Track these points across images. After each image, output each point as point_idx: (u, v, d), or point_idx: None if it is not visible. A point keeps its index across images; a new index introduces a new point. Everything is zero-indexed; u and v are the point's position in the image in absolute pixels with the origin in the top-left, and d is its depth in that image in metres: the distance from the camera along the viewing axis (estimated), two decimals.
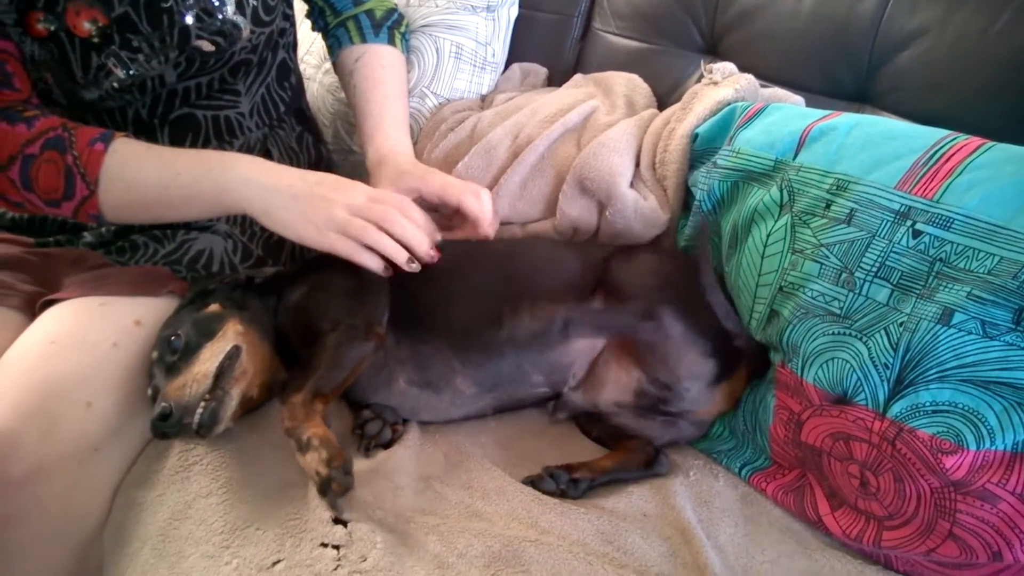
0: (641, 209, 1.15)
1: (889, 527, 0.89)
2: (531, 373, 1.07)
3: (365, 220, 1.00)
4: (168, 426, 0.90)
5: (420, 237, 1.03)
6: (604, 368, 1.07)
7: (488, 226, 1.14)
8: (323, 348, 0.98)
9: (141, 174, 1.03)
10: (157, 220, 1.13)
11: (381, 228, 1.01)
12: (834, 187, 0.95)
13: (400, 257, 1.02)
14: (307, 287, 1.08)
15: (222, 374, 0.95)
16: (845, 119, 1.00)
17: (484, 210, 1.13)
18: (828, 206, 0.94)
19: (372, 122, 1.27)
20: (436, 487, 0.98)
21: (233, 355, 0.98)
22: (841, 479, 0.93)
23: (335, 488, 0.86)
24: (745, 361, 1.06)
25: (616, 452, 1.04)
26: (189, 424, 0.91)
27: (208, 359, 0.96)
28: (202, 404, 0.92)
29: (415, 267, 1.03)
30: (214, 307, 1.03)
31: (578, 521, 0.93)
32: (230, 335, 0.99)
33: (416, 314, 1.07)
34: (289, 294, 1.08)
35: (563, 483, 0.97)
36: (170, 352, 0.97)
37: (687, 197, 1.19)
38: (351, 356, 0.98)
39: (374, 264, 1.02)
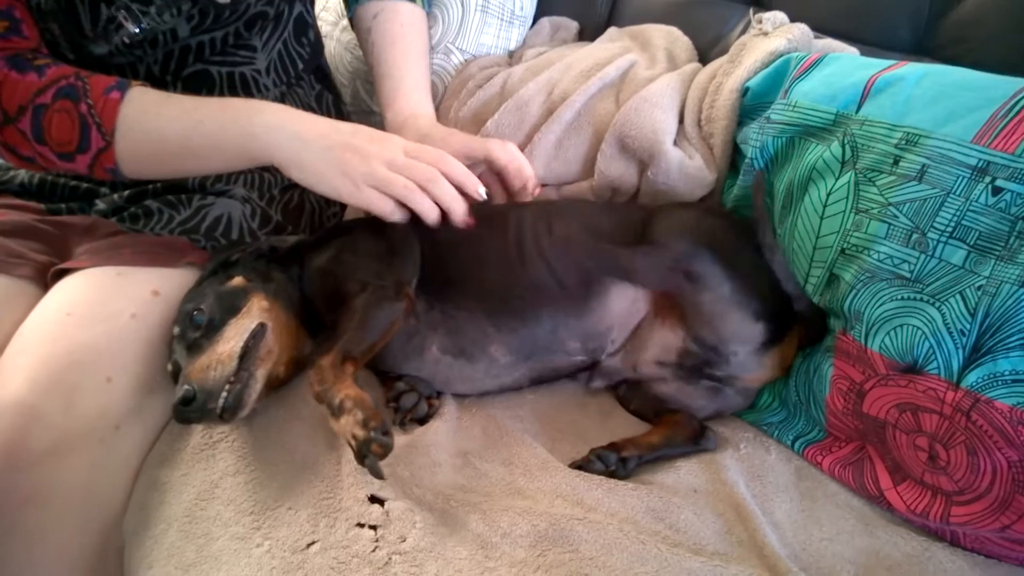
0: (686, 168, 1.09)
1: (959, 502, 0.84)
2: (567, 339, 1.01)
3: (407, 178, 0.95)
4: (191, 411, 0.84)
5: (459, 201, 0.98)
6: (647, 330, 1.02)
7: (528, 172, 1.08)
8: (351, 310, 0.92)
9: (160, 123, 0.96)
10: (178, 173, 1.07)
11: (422, 187, 0.96)
12: (903, 142, 0.88)
13: (434, 219, 0.96)
14: (333, 251, 1.02)
15: (247, 354, 0.90)
16: (913, 69, 0.92)
17: (516, 156, 1.07)
18: (896, 162, 0.88)
19: (391, 83, 1.20)
20: (475, 463, 0.93)
21: (258, 334, 0.92)
22: (906, 452, 0.87)
23: (375, 450, 0.80)
24: (797, 326, 1.00)
25: (662, 426, 0.99)
26: (213, 409, 0.85)
27: (232, 337, 0.90)
28: (226, 387, 0.86)
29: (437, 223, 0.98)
30: (238, 280, 0.98)
31: (626, 498, 0.88)
32: (255, 312, 0.94)
33: (448, 277, 1.01)
34: (314, 259, 1.03)
35: (612, 464, 0.92)
36: (192, 328, 0.92)
37: (734, 156, 1.13)
38: (381, 317, 0.93)
39: (401, 218, 0.97)
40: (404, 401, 0.96)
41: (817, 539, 0.87)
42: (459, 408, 1.02)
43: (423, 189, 0.95)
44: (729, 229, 1.03)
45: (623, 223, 1.05)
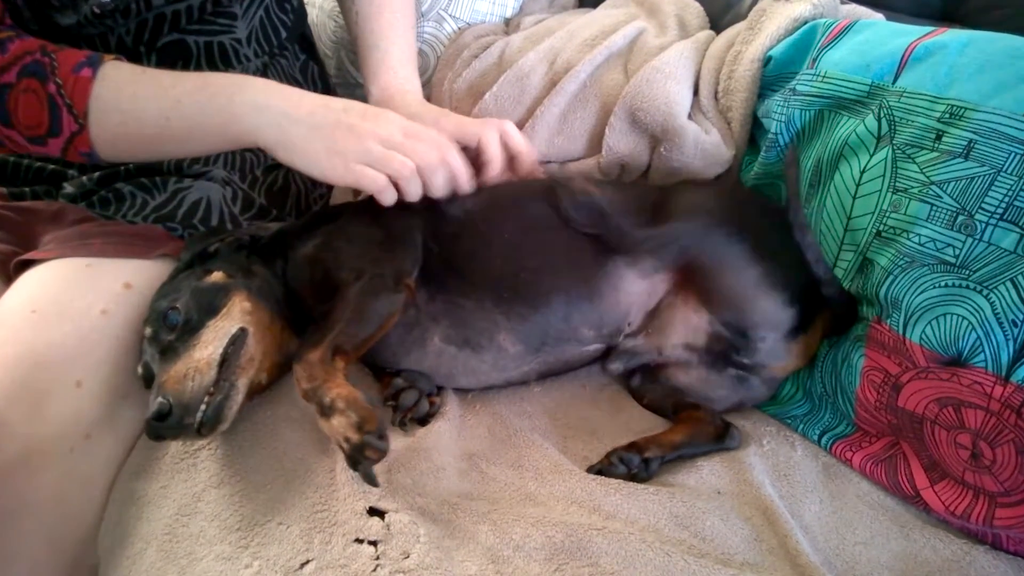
0: (702, 144, 1.01)
1: (1004, 504, 0.78)
2: (580, 327, 0.95)
3: (404, 158, 0.89)
4: (166, 427, 0.77)
5: (449, 190, 0.94)
6: (668, 311, 0.95)
7: (530, 157, 1.01)
8: (344, 300, 0.85)
9: (136, 104, 0.88)
10: (159, 156, 1.00)
11: (419, 171, 0.90)
12: (947, 115, 0.81)
13: (416, 199, 0.92)
14: (321, 237, 0.94)
15: (226, 362, 0.82)
16: (955, 36, 0.85)
17: (514, 143, 1.01)
18: (939, 137, 0.81)
19: (377, 55, 1.12)
20: (482, 467, 0.86)
21: (239, 339, 0.84)
22: (946, 449, 0.81)
23: (370, 455, 0.74)
24: (823, 313, 0.94)
25: (684, 423, 0.92)
26: (190, 424, 0.78)
27: (210, 342, 0.82)
28: (205, 399, 0.79)
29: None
30: (217, 276, 0.90)
31: (647, 503, 0.82)
32: (235, 314, 0.86)
33: (451, 265, 0.94)
34: (299, 247, 0.95)
35: (635, 467, 0.86)
36: (166, 329, 0.84)
37: (752, 131, 1.06)
38: (377, 309, 0.85)
39: (392, 199, 0.91)
40: (403, 399, 0.89)
41: (851, 543, 0.81)
42: (461, 405, 0.96)
43: (419, 173, 0.90)
44: (754, 208, 0.96)
45: (637, 201, 0.98)
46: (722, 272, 0.91)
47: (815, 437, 0.93)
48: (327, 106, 0.90)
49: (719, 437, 0.91)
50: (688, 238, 0.92)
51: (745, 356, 0.93)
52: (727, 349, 0.93)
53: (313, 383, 0.78)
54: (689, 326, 0.94)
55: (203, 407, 0.78)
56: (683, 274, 0.93)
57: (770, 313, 0.90)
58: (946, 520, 0.82)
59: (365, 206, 0.94)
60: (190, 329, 0.83)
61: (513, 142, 1.01)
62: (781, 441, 0.94)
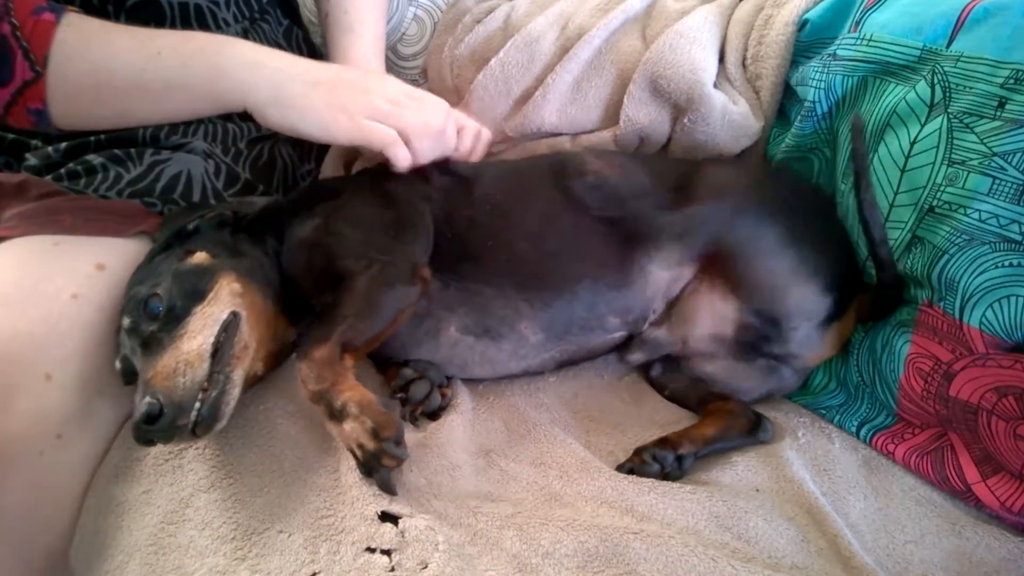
0: (730, 115, 0.94)
1: None
2: (607, 315, 0.88)
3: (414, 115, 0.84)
4: (158, 430, 0.68)
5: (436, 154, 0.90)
6: (693, 298, 0.89)
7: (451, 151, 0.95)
8: (351, 291, 0.77)
9: (108, 51, 0.80)
10: (121, 120, 0.90)
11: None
12: (1011, 80, 0.75)
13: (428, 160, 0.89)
14: (321, 219, 0.86)
15: (218, 351, 0.74)
16: None
17: (477, 152, 0.98)
18: (1002, 104, 0.75)
19: (350, 38, 1.07)
20: (500, 464, 0.79)
21: (231, 325, 0.76)
22: (1004, 442, 0.76)
23: (387, 463, 0.68)
24: (858, 298, 0.87)
25: (714, 416, 0.86)
26: (185, 425, 0.69)
27: (199, 331, 0.74)
28: (199, 396, 0.70)
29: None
30: (200, 256, 0.81)
31: (685, 503, 0.75)
32: (224, 296, 0.77)
33: (467, 250, 0.87)
34: (297, 229, 0.86)
35: (669, 465, 0.79)
36: (147, 318, 0.75)
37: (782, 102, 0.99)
38: (390, 302, 0.78)
39: (405, 163, 0.87)
40: (413, 391, 0.82)
41: (901, 542, 0.76)
42: (473, 396, 0.89)
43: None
44: (785, 188, 0.90)
45: (658, 180, 0.91)
46: (754, 259, 0.85)
47: (853, 429, 0.88)
48: (323, 67, 0.85)
49: (752, 430, 0.85)
50: (715, 222, 0.86)
51: (776, 346, 0.87)
52: (757, 339, 0.87)
53: (322, 385, 0.70)
54: (716, 315, 0.88)
55: (197, 405, 0.69)
56: (710, 260, 0.87)
57: (805, 302, 0.85)
58: (1000, 516, 0.77)
59: (368, 183, 0.86)
60: (175, 317, 0.74)
61: (480, 149, 0.98)
62: (817, 433, 0.88)
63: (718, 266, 0.86)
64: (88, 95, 0.81)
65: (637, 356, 0.92)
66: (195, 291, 0.77)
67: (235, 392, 0.73)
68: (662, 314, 0.90)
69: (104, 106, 0.83)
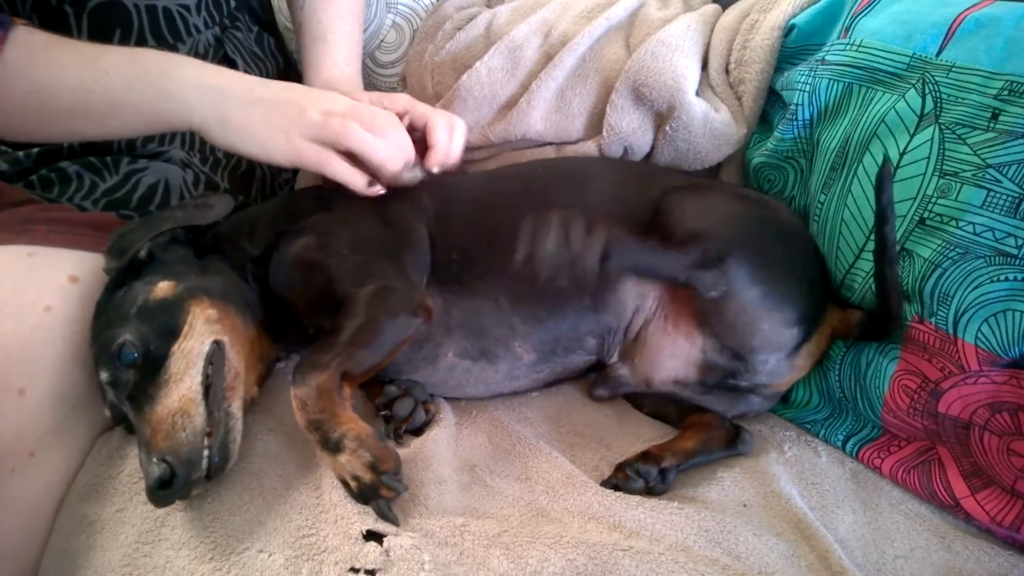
0: (711, 122, 0.94)
1: None
2: (587, 336, 0.88)
3: (345, 120, 0.81)
4: (174, 493, 0.66)
5: (396, 160, 0.84)
6: (657, 335, 0.87)
7: (442, 159, 0.91)
8: (353, 318, 0.75)
9: (53, 71, 0.77)
10: (70, 136, 0.88)
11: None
12: (1004, 92, 0.75)
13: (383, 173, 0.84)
14: (314, 236, 0.83)
15: (210, 388, 0.71)
16: (1009, 7, 0.79)
17: (454, 144, 0.92)
18: (996, 116, 0.74)
19: (323, 48, 1.06)
20: (485, 479, 0.78)
21: (215, 355, 0.73)
22: (996, 457, 0.75)
23: (385, 494, 0.67)
24: (831, 314, 0.86)
25: (694, 429, 0.85)
26: (199, 479, 0.68)
27: (184, 372, 0.71)
28: (205, 444, 0.68)
29: (376, 190, 0.84)
30: (164, 287, 0.76)
31: (673, 518, 0.74)
32: (200, 327, 0.74)
33: (465, 262, 0.85)
34: (288, 246, 0.83)
35: (653, 479, 0.78)
36: (124, 369, 0.71)
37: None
38: (392, 332, 0.76)
39: (356, 181, 0.83)
40: (398, 409, 0.80)
41: (890, 557, 0.75)
42: (456, 411, 0.87)
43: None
44: (759, 219, 0.88)
45: (636, 198, 0.89)
46: (716, 283, 0.80)
47: (839, 442, 0.87)
48: (267, 85, 0.82)
49: (731, 442, 0.84)
50: (691, 260, 0.81)
51: (743, 379, 0.86)
52: (722, 378, 0.86)
53: (320, 415, 0.69)
54: (679, 357, 0.87)
55: (206, 453, 0.68)
56: (676, 293, 0.85)
57: (773, 335, 0.83)
58: (990, 530, 0.77)
59: (359, 197, 0.84)
60: (153, 362, 0.71)
61: (457, 139, 0.93)
62: (803, 447, 0.87)
63: (680, 299, 0.85)
64: (31, 114, 0.79)
65: (601, 392, 0.91)
66: (167, 328, 0.73)
67: (239, 426, 0.72)
68: (628, 345, 0.88)
69: (49, 124, 0.82)
